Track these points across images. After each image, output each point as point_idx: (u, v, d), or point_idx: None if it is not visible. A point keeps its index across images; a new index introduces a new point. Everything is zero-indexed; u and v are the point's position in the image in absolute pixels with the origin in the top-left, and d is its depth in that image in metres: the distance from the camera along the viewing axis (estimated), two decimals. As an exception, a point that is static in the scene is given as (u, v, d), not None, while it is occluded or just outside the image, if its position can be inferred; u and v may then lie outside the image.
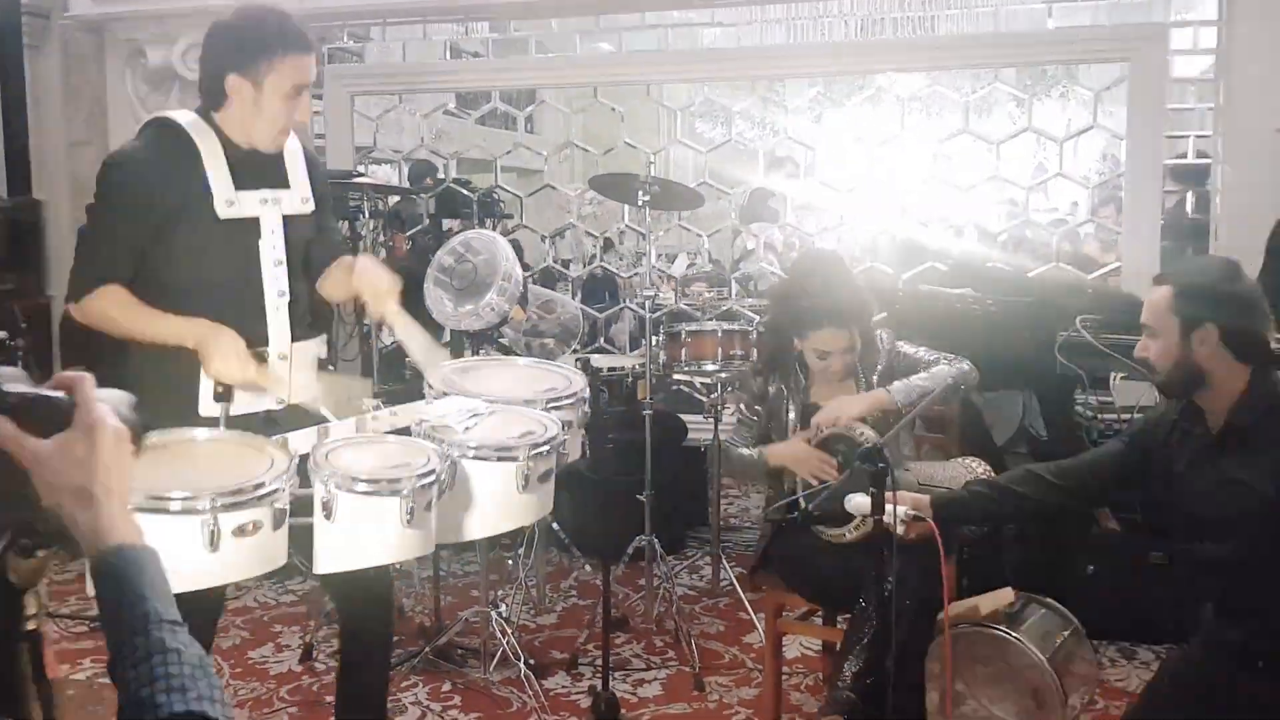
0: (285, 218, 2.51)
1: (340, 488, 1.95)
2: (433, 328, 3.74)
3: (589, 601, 4.21)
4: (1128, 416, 3.82)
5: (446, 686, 3.51)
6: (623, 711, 3.19)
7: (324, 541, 1.98)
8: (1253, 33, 4.25)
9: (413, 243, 5.43)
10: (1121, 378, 3.48)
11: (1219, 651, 2.21)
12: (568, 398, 2.39)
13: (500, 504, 2.15)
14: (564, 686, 3.54)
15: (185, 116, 2.47)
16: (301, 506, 1.98)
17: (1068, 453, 4.05)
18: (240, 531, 1.84)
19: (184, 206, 2.40)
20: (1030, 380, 4.89)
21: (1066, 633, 3.14)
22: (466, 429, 2.16)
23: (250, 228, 2.46)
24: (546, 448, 2.17)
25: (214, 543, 1.81)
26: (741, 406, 3.24)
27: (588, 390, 2.46)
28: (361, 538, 1.98)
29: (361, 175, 5.04)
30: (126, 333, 2.43)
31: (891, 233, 6.03)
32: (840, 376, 3.08)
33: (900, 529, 2.42)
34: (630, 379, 4.16)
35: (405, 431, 2.26)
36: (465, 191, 5.53)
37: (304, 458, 2.03)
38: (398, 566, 4.17)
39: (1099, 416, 3.97)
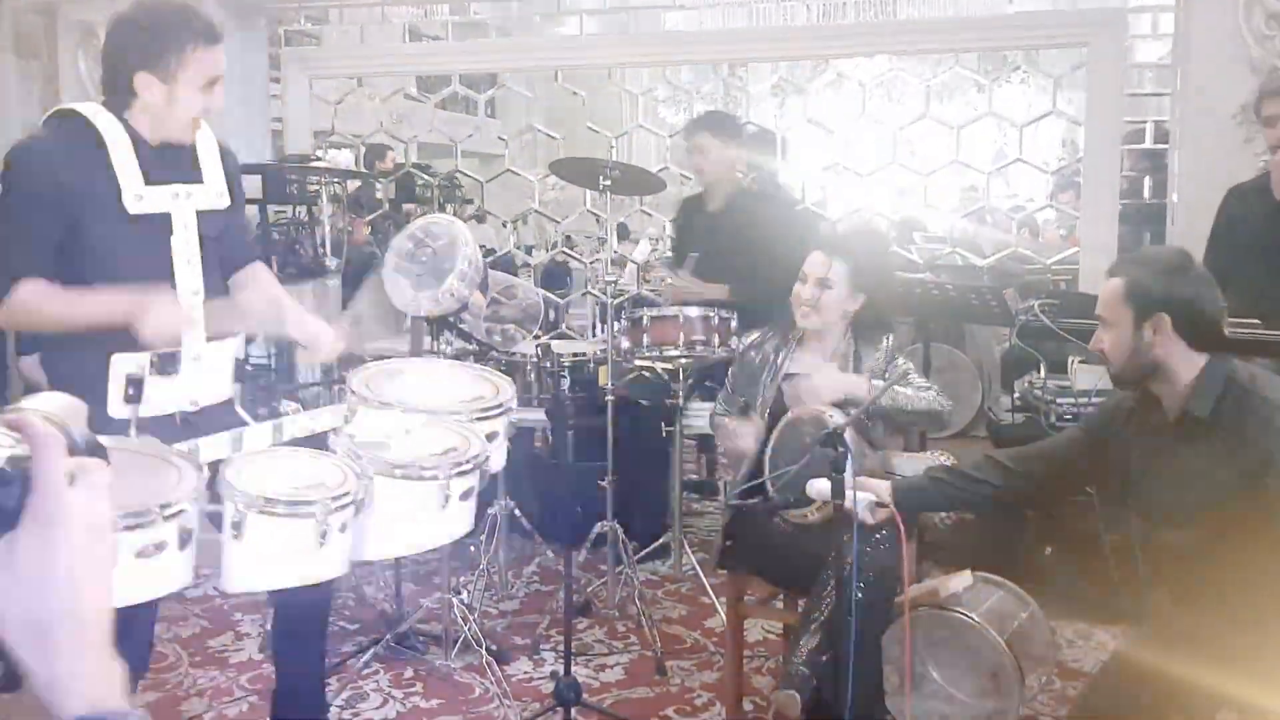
0: (199, 213, 2.44)
1: (250, 508, 1.89)
2: (393, 314, 3.72)
3: (550, 587, 4.20)
4: (1085, 400, 3.86)
5: (408, 673, 3.49)
6: (585, 695, 3.18)
7: (233, 561, 1.92)
8: (1210, 18, 4.29)
9: (372, 228, 5.38)
10: (1079, 362, 3.51)
11: (1173, 637, 2.23)
12: (495, 408, 2.33)
13: (419, 523, 2.10)
14: (526, 672, 3.53)
15: (90, 108, 2.38)
16: (211, 522, 1.92)
17: (1026, 437, 4.12)
18: (142, 554, 1.74)
19: (90, 201, 2.32)
20: (989, 365, 4.95)
21: (1024, 614, 3.17)
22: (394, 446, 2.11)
23: (161, 224, 2.39)
24: (469, 465, 2.12)
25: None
26: (730, 375, 3.26)
27: (515, 400, 2.41)
28: (272, 558, 1.93)
29: (320, 160, 4.98)
30: (54, 324, 2.35)
31: (853, 217, 6.04)
32: (803, 309, 3.06)
33: (865, 516, 2.43)
34: (592, 364, 4.15)
35: (325, 436, 2.21)
36: (425, 176, 5.49)
37: (216, 465, 1.98)
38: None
39: (1056, 400, 4.01)
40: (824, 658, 2.58)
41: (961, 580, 3.09)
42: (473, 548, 4.23)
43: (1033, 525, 3.97)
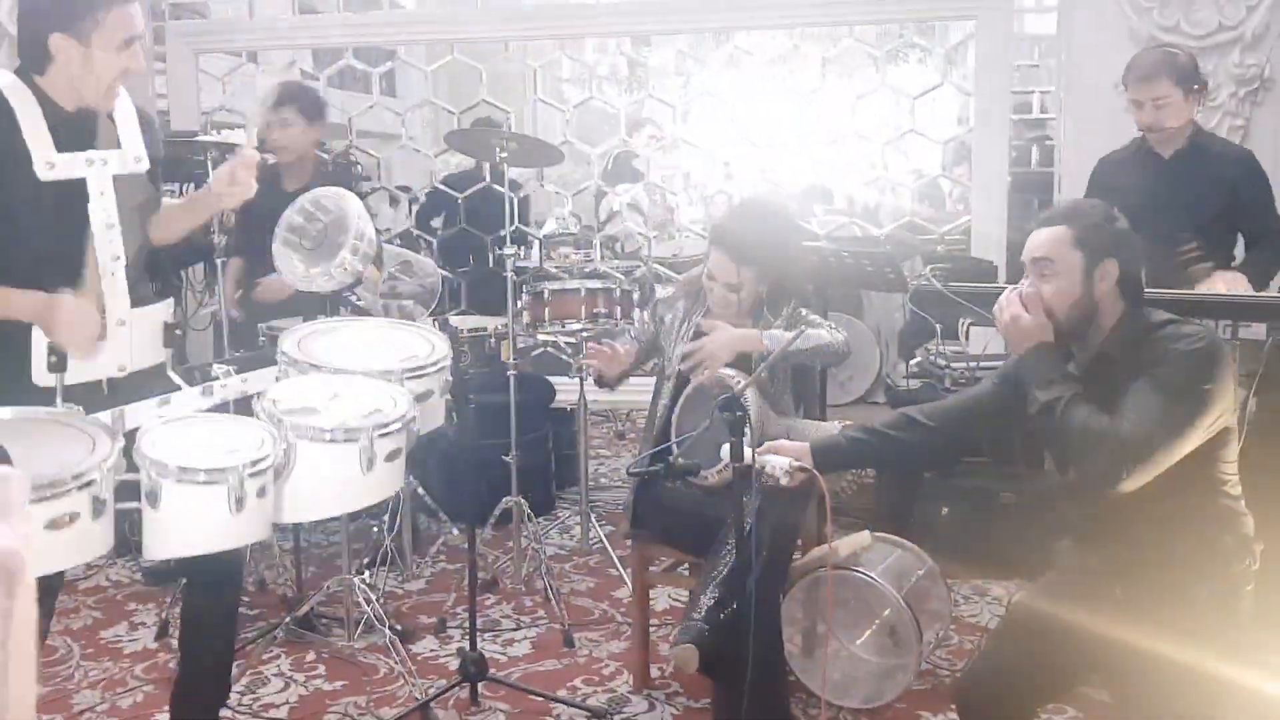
0: (116, 178, 2.40)
1: (165, 476, 1.89)
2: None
3: (457, 566, 4.17)
4: (977, 364, 3.95)
5: (310, 656, 3.44)
6: (492, 670, 3.17)
7: (151, 529, 1.92)
8: (1093, -10, 4.40)
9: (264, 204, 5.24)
10: (969, 324, 3.59)
11: (1078, 581, 2.28)
12: (429, 365, 2.34)
13: (342, 486, 2.10)
14: (432, 650, 3.50)
15: (2, 78, 2.32)
16: (129, 492, 1.92)
17: (925, 401, 4.21)
18: (54, 524, 1.76)
19: (1, 168, 2.27)
20: (887, 332, 5.04)
21: (921, 572, 3.25)
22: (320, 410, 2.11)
23: (76, 190, 2.34)
24: (395, 427, 2.12)
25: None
26: (637, 322, 3.35)
27: (450, 356, 2.42)
28: (188, 526, 1.93)
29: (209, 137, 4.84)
30: None
31: (753, 189, 6.08)
32: (718, 307, 3.10)
33: (785, 480, 2.43)
34: (493, 340, 4.12)
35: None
36: (320, 154, 5.37)
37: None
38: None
39: (951, 365, 4.10)
40: (722, 614, 2.61)
41: (860, 540, 3.16)
42: (375, 528, 4.18)
43: (929, 486, 4.06)
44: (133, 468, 1.95)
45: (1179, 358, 2.10)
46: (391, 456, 2.13)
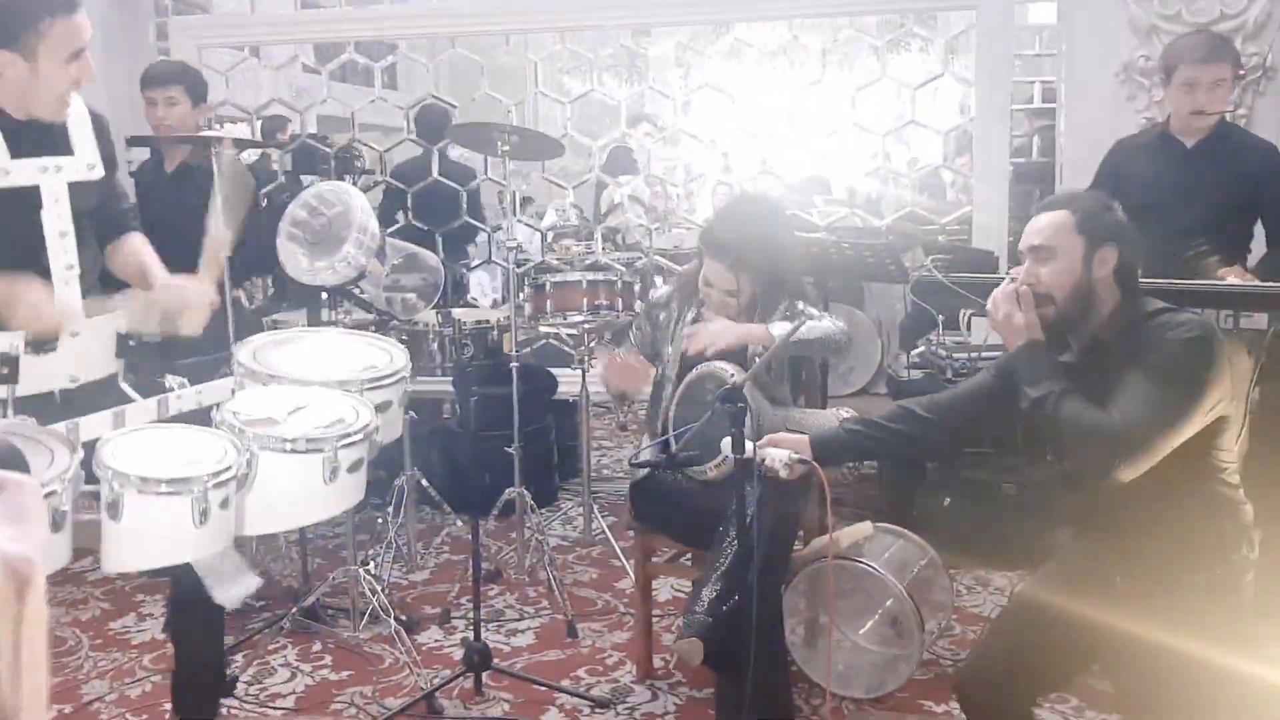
0: (71, 185, 2.36)
1: (126, 487, 1.86)
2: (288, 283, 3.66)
3: (461, 557, 4.19)
4: (978, 355, 3.97)
5: (316, 647, 3.47)
6: (496, 660, 3.19)
7: (111, 542, 1.89)
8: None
9: (268, 200, 5.26)
10: (970, 314, 3.60)
11: (1078, 570, 2.30)
12: (388, 377, 2.32)
13: (305, 496, 2.09)
14: (437, 640, 3.53)
15: None
16: (89, 503, 1.89)
17: (925, 392, 4.22)
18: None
19: None
20: (888, 324, 5.05)
21: (923, 562, 3.27)
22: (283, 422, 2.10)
23: (29, 197, 2.30)
24: (357, 437, 2.12)
25: None
26: (633, 328, 3.32)
27: (409, 368, 2.41)
28: (150, 538, 1.90)
29: (213, 131, 4.85)
30: None
31: (753, 180, 6.09)
32: (717, 311, 3.10)
33: (784, 472, 2.44)
34: (495, 332, 4.13)
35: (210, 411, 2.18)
36: (323, 148, 5.39)
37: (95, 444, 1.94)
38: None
39: (952, 356, 4.11)
40: (725, 606, 2.63)
41: (862, 531, 3.17)
42: (380, 520, 4.21)
43: (931, 476, 4.08)
44: (92, 479, 1.92)
45: (1172, 346, 2.10)
46: (354, 468, 2.12)
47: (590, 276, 3.95)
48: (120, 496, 1.86)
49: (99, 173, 2.43)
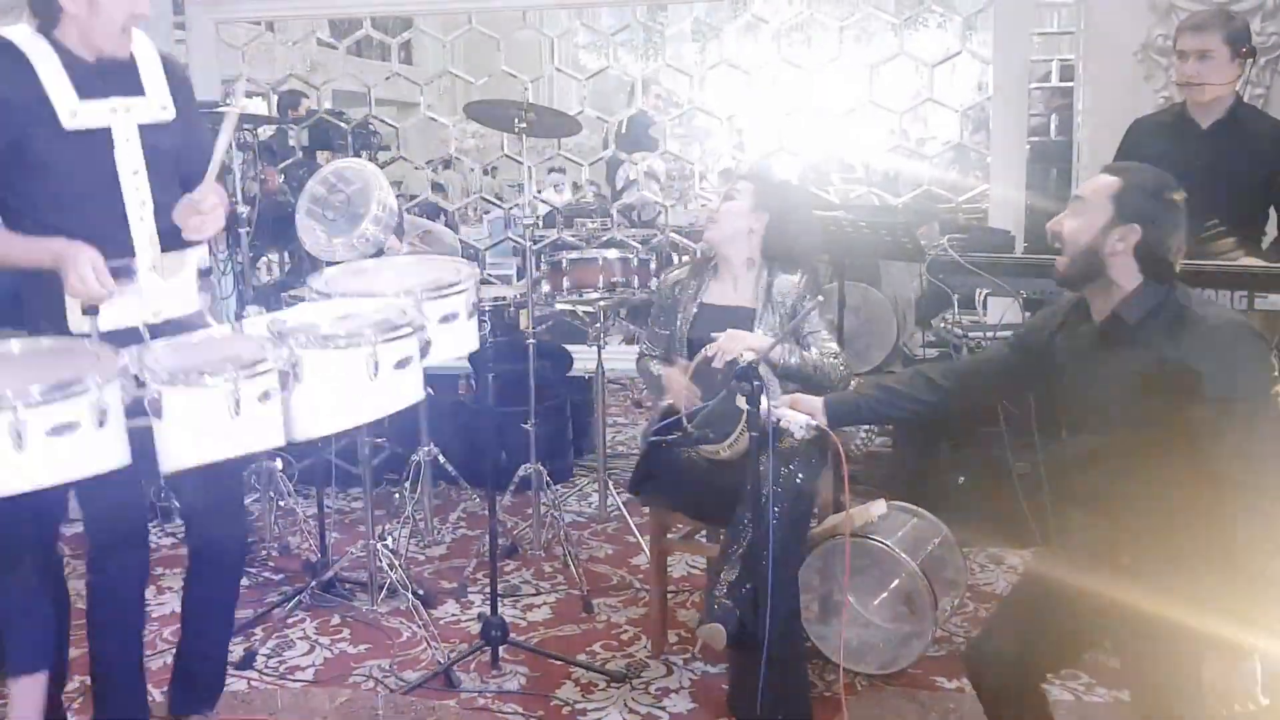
0: (143, 127, 2.43)
1: (162, 383, 1.94)
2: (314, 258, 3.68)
3: (477, 532, 4.23)
4: (994, 334, 3.96)
5: (335, 620, 3.51)
6: (512, 634, 3.23)
7: (161, 441, 1.97)
8: (1112, -43, 4.37)
9: (285, 176, 5.29)
10: (986, 294, 3.60)
11: (1086, 548, 2.31)
12: (450, 286, 2.33)
13: (353, 394, 2.11)
14: (453, 615, 3.56)
15: (16, 31, 2.36)
16: (143, 410, 1.97)
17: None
18: (55, 431, 1.83)
19: (26, 120, 2.31)
20: (904, 302, 5.04)
21: (936, 540, 3.28)
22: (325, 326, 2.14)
23: (102, 138, 2.38)
24: (402, 332, 2.13)
25: (20, 443, 1.79)
26: (652, 314, 3.33)
27: (477, 279, 2.43)
28: (192, 433, 1.96)
29: (228, 105, 4.86)
30: None
31: (771, 159, 6.08)
32: (729, 244, 3.12)
33: (800, 433, 2.45)
34: (512, 309, 4.15)
35: None
36: (339, 123, 5.40)
37: None
38: (281, 502, 4.14)
39: (968, 335, 4.11)
40: (745, 588, 2.65)
41: (876, 508, 3.19)
42: (397, 495, 4.24)
43: (944, 455, 4.08)
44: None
45: (1244, 371, 2.12)
46: (401, 365, 2.13)
47: (606, 254, 3.96)
48: (160, 394, 1.93)
49: (171, 113, 2.48)
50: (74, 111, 2.34)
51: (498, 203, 5.74)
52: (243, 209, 3.79)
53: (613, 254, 3.97)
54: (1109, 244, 2.22)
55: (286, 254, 5.06)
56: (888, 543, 3.07)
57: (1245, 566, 2.13)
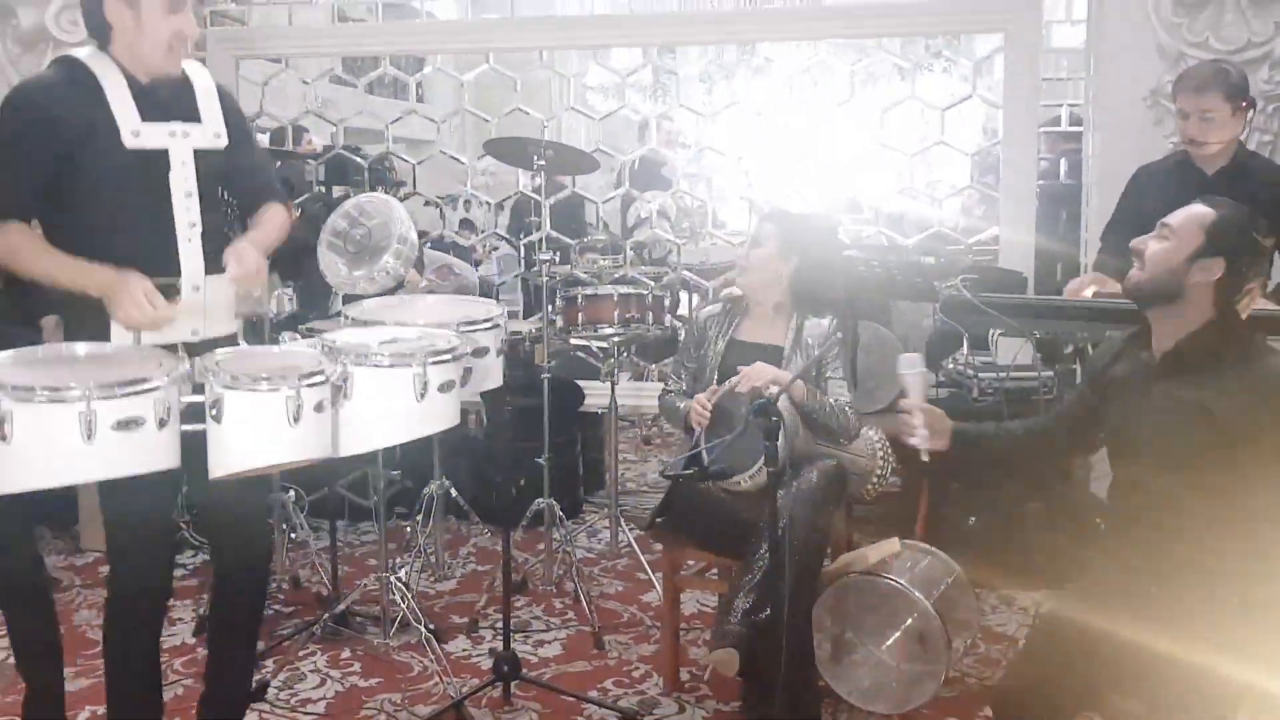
0: (197, 152, 2.51)
1: (224, 386, 2.01)
2: (326, 291, 3.72)
3: (487, 567, 4.23)
4: (1006, 374, 3.98)
5: (346, 653, 3.50)
6: (524, 670, 3.22)
7: (215, 445, 2.04)
8: (1121, 5, 4.42)
9: (302, 210, 5.33)
10: (999, 334, 3.62)
11: (1115, 583, 2.29)
12: (483, 322, 2.47)
13: (397, 414, 2.20)
14: (464, 649, 3.56)
15: (86, 51, 2.47)
16: (196, 417, 2.05)
17: (950, 410, 4.23)
18: (121, 425, 1.91)
19: (89, 135, 2.39)
20: (914, 341, 5.06)
21: (949, 580, 3.28)
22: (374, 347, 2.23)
23: (159, 159, 2.46)
24: (446, 357, 2.23)
25: (90, 434, 1.87)
26: (679, 350, 3.38)
27: (505, 318, 2.55)
28: (250, 438, 2.04)
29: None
30: (30, 273, 2.42)
31: (782, 198, 6.13)
32: (759, 286, 3.19)
33: (925, 457, 2.46)
34: (527, 343, 4.18)
35: None
36: (356, 159, 5.46)
37: None
38: (296, 537, 4.15)
39: (979, 374, 4.13)
40: (760, 615, 2.66)
41: (889, 547, 3.19)
42: (409, 529, 4.25)
43: (955, 496, 4.09)
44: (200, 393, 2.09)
45: None
46: (445, 388, 2.23)
47: (621, 290, 3.99)
48: (221, 397, 2.01)
49: (224, 141, 2.57)
50: (136, 131, 2.42)
51: (509, 239, 5.78)
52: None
53: (628, 290, 4.00)
54: (1192, 273, 2.23)
55: (294, 287, 5.10)
56: (901, 582, 3.07)
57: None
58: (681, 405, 3.19)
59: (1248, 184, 3.45)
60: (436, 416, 2.25)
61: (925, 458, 2.47)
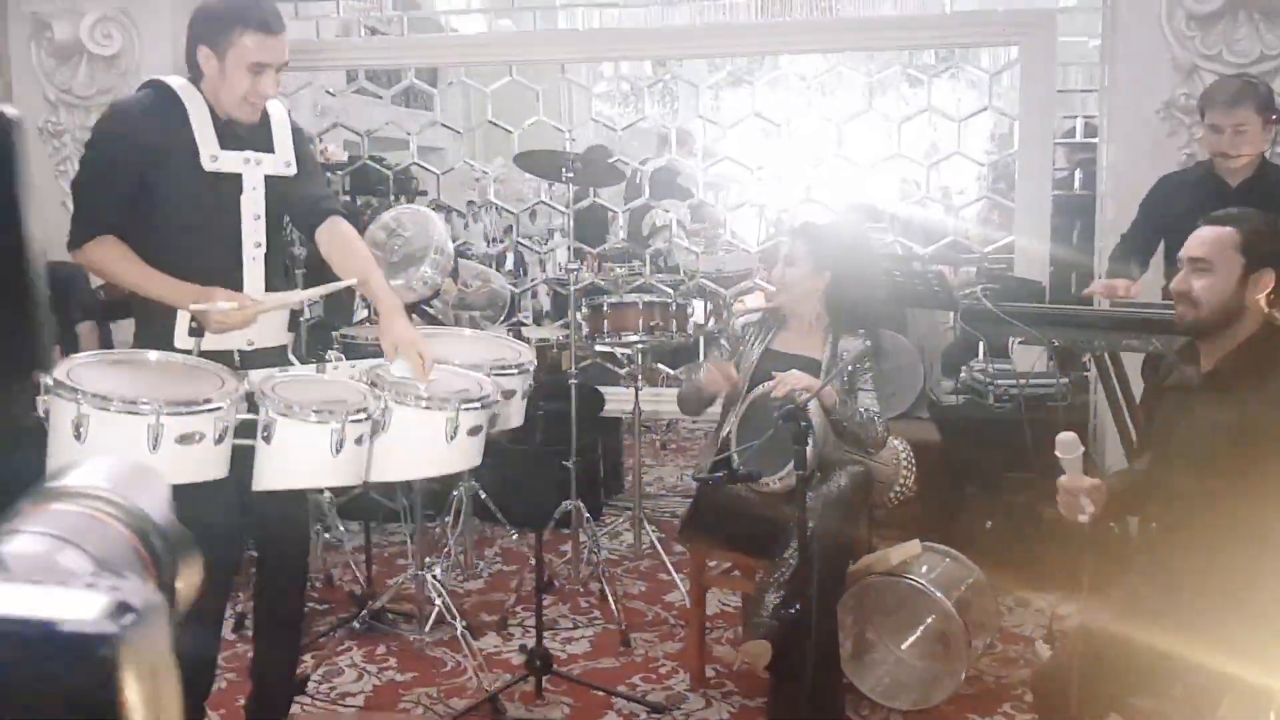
0: (267, 178, 2.68)
1: (278, 413, 2.20)
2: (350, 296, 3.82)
3: (514, 567, 4.33)
4: (1024, 382, 4.08)
5: (381, 649, 3.60)
6: (554, 666, 3.32)
7: (263, 462, 2.24)
8: (1135, 19, 4.51)
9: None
10: (1018, 342, 3.71)
11: (1153, 580, 2.34)
12: (514, 367, 2.67)
13: (428, 450, 2.40)
14: (495, 646, 3.66)
15: (176, 80, 2.64)
16: (247, 432, 2.23)
17: (966, 417, 4.33)
18: (184, 440, 2.10)
19: (171, 155, 2.56)
20: (931, 349, 5.16)
21: (969, 581, 3.37)
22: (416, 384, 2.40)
23: (233, 182, 2.63)
24: (477, 404, 2.41)
25: (155, 444, 2.06)
26: (719, 340, 3.50)
27: (534, 363, 2.73)
28: (294, 461, 2.24)
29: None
30: (121, 283, 2.65)
31: (798, 209, 6.22)
32: (777, 288, 3.31)
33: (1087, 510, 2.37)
34: (554, 350, 4.28)
35: None
36: (381, 169, 5.57)
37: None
38: (330, 537, 4.25)
39: (996, 381, 4.23)
40: (790, 610, 2.75)
41: (910, 549, 3.29)
42: (437, 530, 4.35)
43: (972, 500, 4.18)
44: (253, 410, 2.27)
45: None
46: (473, 432, 2.42)
47: (645, 298, 4.10)
48: (274, 421, 2.20)
49: (293, 170, 2.74)
50: (215, 156, 2.59)
51: (531, 245, 5.88)
52: (299, 250, 3.93)
53: (652, 299, 4.11)
54: (1248, 293, 2.27)
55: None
56: (922, 582, 3.16)
57: None
58: (700, 373, 3.29)
59: (1272, 194, 3.51)
60: (462, 457, 2.45)
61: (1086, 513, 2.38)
